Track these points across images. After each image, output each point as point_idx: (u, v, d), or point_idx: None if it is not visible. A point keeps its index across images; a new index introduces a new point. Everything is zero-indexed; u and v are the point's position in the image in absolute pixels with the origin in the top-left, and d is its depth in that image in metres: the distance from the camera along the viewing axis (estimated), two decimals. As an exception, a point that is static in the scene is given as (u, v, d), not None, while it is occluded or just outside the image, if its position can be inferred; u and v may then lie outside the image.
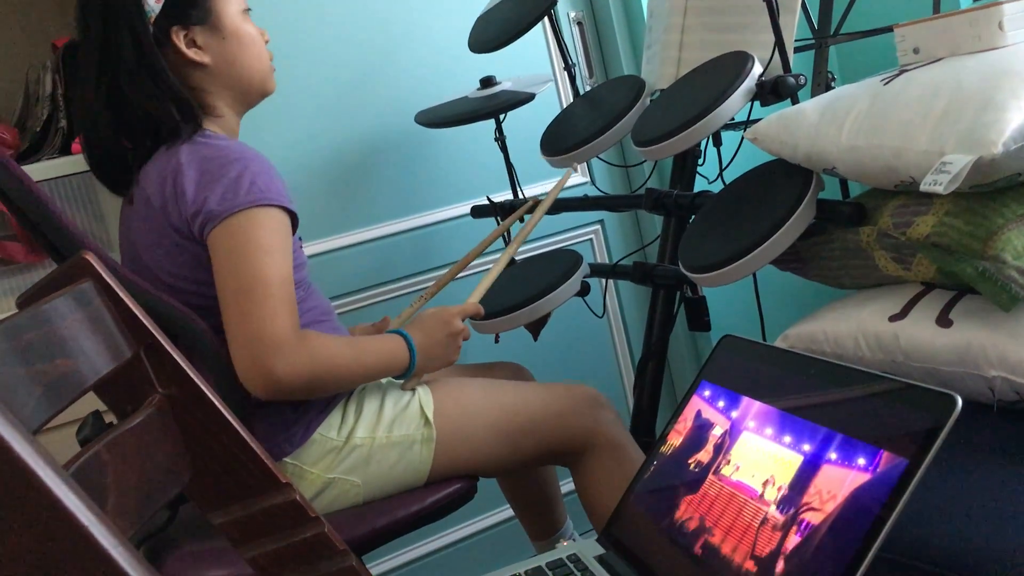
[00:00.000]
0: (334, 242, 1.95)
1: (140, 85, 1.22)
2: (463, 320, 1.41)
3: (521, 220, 1.79)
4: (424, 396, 1.34)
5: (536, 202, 1.69)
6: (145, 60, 1.22)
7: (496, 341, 1.82)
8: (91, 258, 0.71)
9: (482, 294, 1.51)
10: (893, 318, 1.14)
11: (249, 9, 1.35)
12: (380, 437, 1.29)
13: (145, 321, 0.74)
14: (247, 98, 1.36)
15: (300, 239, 1.33)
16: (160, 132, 1.24)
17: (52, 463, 0.39)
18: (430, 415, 1.31)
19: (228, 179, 1.18)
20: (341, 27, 1.94)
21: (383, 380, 1.38)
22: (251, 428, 1.19)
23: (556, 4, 1.61)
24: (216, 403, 0.76)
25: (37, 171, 1.65)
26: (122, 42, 1.22)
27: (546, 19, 1.72)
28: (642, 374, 1.67)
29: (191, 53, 1.27)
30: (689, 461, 0.85)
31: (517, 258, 1.81)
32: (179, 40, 1.26)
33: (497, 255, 1.87)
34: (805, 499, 0.68)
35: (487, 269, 1.60)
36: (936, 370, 1.08)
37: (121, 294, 0.73)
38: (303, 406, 1.27)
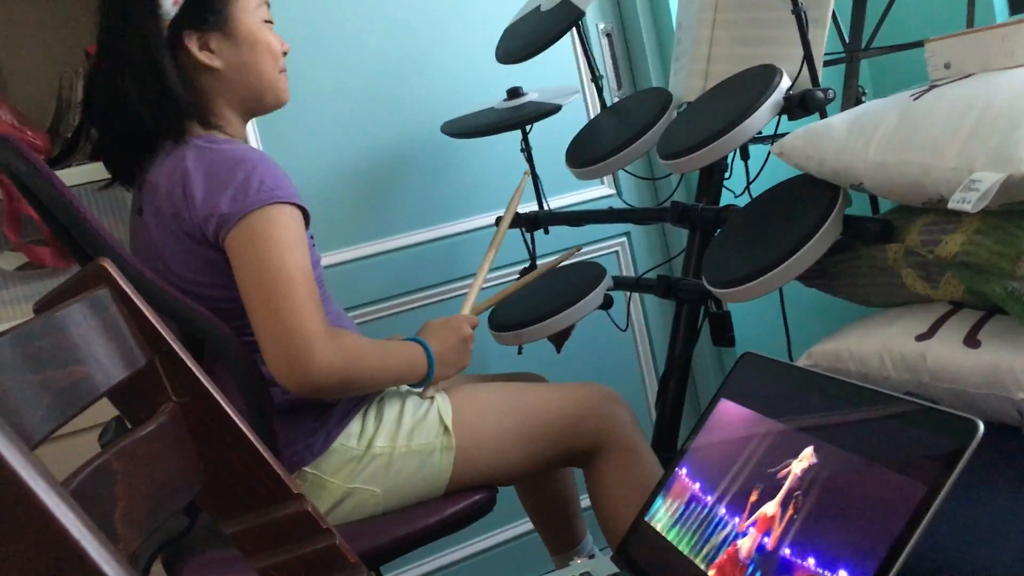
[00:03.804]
0: (359, 251, 1.96)
1: (141, 86, 1.24)
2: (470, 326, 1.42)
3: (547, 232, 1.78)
4: (443, 404, 1.34)
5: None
6: (150, 61, 1.24)
7: (519, 353, 1.82)
8: (108, 265, 0.72)
9: (470, 306, 1.52)
10: (920, 337, 1.12)
11: (270, 21, 1.35)
12: (400, 446, 1.29)
13: (161, 329, 0.74)
14: (256, 106, 1.36)
15: (312, 237, 1.33)
16: (146, 134, 1.26)
17: (47, 476, 0.39)
18: (449, 423, 1.31)
19: (236, 181, 1.19)
20: (368, 37, 1.95)
21: (403, 388, 1.39)
22: (272, 436, 1.20)
23: (584, 16, 1.61)
24: (230, 412, 0.76)
25: (67, 176, 1.67)
26: (132, 41, 1.24)
27: (574, 30, 1.71)
28: (665, 389, 1.66)
29: (203, 56, 1.28)
30: (704, 480, 0.84)
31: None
32: (192, 43, 1.27)
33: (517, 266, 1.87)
34: (823, 523, 0.67)
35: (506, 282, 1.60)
36: (963, 392, 1.05)
37: (137, 301, 0.73)
38: (324, 414, 1.27)
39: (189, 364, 0.74)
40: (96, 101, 1.28)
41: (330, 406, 1.28)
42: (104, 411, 0.96)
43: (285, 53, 1.36)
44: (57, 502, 0.37)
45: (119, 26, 1.25)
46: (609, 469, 1.38)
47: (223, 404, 0.75)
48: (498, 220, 1.81)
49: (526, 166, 1.87)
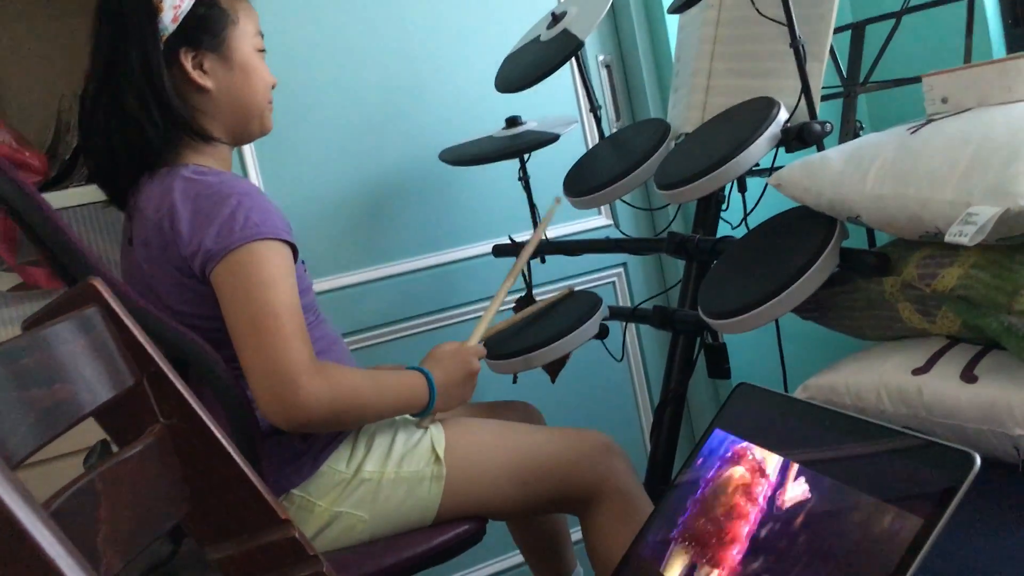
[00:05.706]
0: (356, 277, 1.95)
1: (141, 100, 1.24)
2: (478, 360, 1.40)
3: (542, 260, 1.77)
4: (436, 433, 1.33)
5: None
6: (150, 76, 1.24)
7: (514, 381, 1.81)
8: (98, 284, 0.71)
9: (480, 336, 1.49)
10: (916, 372, 1.11)
11: (263, 51, 1.36)
12: (389, 472, 1.27)
13: (150, 349, 0.73)
14: (242, 131, 1.36)
15: (303, 263, 1.32)
16: (150, 149, 1.25)
17: (26, 495, 0.38)
18: (441, 452, 1.30)
19: (222, 217, 1.18)
20: (368, 65, 1.96)
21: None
22: (259, 459, 1.19)
23: (583, 47, 1.62)
24: (218, 435, 0.75)
25: (64, 198, 1.67)
26: (130, 55, 1.24)
27: (573, 61, 1.72)
28: (659, 420, 1.65)
29: (195, 75, 1.28)
30: (697, 511, 0.83)
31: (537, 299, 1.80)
32: (186, 61, 1.27)
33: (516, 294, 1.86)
34: (813, 555, 0.65)
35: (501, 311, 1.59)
36: (960, 427, 1.05)
37: (127, 321, 0.72)
38: (312, 437, 1.26)
39: (178, 385, 0.73)
40: (94, 117, 1.27)
41: (318, 429, 1.26)
42: (90, 434, 0.95)
43: (273, 86, 1.38)
44: (34, 521, 0.36)
45: (118, 41, 1.25)
46: (605, 516, 1.36)
47: (211, 426, 0.74)
48: (509, 247, 1.79)
49: (524, 194, 1.87)
